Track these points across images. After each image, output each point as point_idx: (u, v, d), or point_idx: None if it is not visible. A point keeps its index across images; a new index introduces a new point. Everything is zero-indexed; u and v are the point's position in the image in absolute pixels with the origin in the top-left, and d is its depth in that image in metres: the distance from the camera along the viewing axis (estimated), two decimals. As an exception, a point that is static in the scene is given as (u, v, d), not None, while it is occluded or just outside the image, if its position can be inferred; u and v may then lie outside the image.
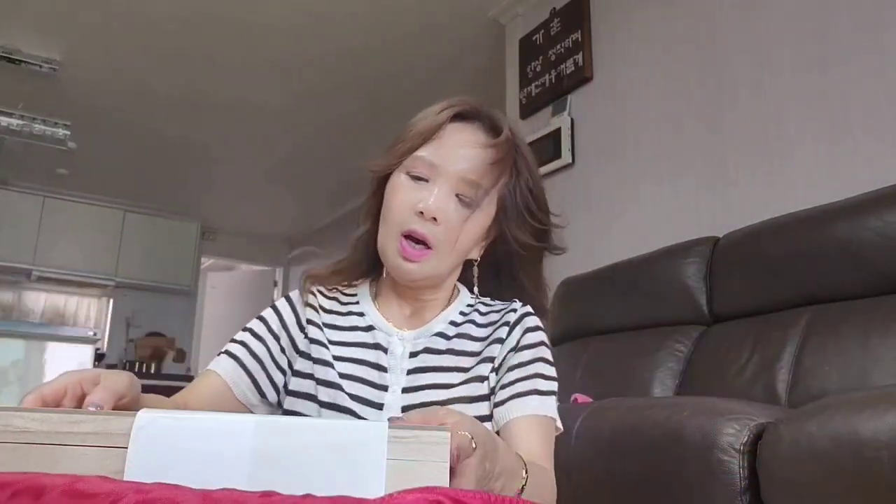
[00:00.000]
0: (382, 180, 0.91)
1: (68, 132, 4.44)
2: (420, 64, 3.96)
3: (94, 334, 3.85)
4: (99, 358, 5.06)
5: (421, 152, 0.87)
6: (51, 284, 6.33)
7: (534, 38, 3.20)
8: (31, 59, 3.97)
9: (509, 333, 0.88)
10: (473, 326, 0.92)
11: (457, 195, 0.85)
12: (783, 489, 1.06)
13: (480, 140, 0.88)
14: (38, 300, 6.40)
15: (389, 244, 0.86)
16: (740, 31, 2.31)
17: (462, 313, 0.93)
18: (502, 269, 0.95)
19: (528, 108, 3.14)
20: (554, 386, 0.86)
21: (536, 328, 0.90)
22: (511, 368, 0.86)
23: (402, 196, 0.86)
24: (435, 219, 0.83)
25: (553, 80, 3.04)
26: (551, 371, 0.87)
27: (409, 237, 0.84)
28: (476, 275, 0.93)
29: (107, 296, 6.61)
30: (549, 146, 2.93)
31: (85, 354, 3.60)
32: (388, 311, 0.92)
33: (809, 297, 1.71)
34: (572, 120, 2.91)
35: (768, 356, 1.67)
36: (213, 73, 4.17)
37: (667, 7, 2.61)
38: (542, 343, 0.89)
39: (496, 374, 0.87)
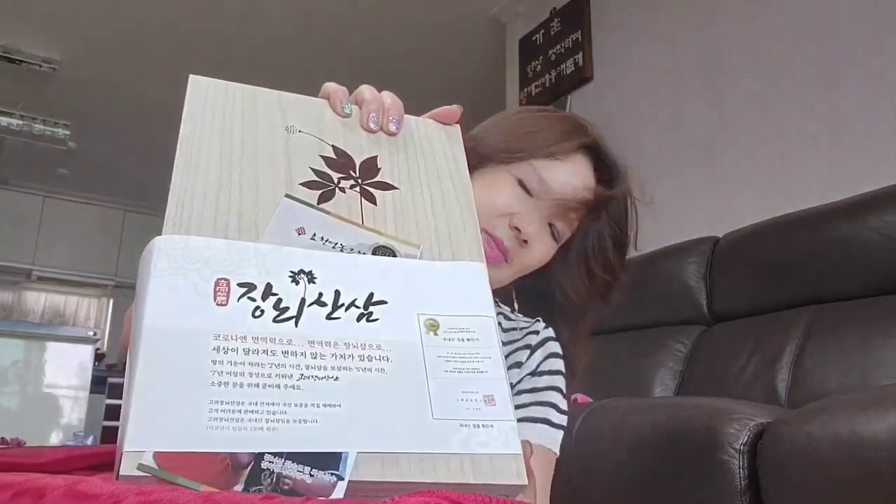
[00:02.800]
0: (476, 163, 0.81)
1: (68, 132, 4.44)
2: (420, 64, 3.96)
3: (94, 334, 3.85)
4: (99, 358, 5.06)
5: (540, 165, 0.80)
6: (51, 284, 6.33)
7: (534, 38, 3.20)
8: (31, 59, 3.97)
9: (529, 357, 0.83)
10: None
11: (551, 224, 0.80)
12: (783, 489, 1.06)
13: (591, 181, 0.83)
14: (38, 300, 6.40)
15: None
16: (740, 31, 2.31)
17: None
18: (536, 299, 0.89)
19: (528, 108, 3.14)
20: (565, 421, 0.81)
21: (557, 356, 0.84)
22: (526, 392, 0.81)
23: (502, 197, 0.78)
24: (527, 242, 0.78)
25: (553, 80, 3.03)
26: (565, 405, 0.82)
27: (491, 240, 0.77)
28: (514, 296, 0.88)
29: (107, 296, 6.61)
30: (549, 146, 2.93)
31: (85, 354, 3.60)
32: None
33: (809, 297, 1.71)
34: (572, 120, 2.91)
35: (768, 356, 1.67)
36: (214, 74, 4.16)
37: (667, 7, 2.60)
38: (560, 373, 0.84)
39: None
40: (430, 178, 0.59)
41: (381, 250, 0.52)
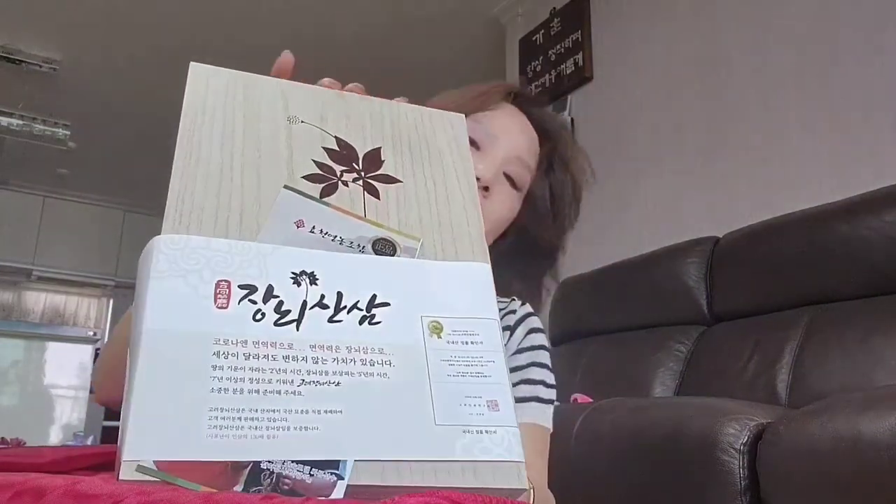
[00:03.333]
0: None
1: (68, 132, 4.44)
2: (420, 64, 3.96)
3: (94, 334, 3.85)
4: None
5: (478, 118, 0.81)
6: (51, 284, 6.33)
7: (534, 38, 3.20)
8: (31, 59, 3.97)
9: (510, 338, 0.84)
10: None
11: (505, 172, 0.80)
12: (783, 489, 1.06)
13: (528, 124, 0.85)
14: (38, 300, 6.40)
15: None
16: (740, 32, 2.31)
17: None
18: (505, 260, 0.90)
19: (528, 108, 3.14)
20: (554, 394, 0.82)
21: (539, 330, 0.86)
22: (512, 371, 0.81)
23: None
24: (487, 189, 0.77)
25: (553, 80, 3.04)
26: (552, 378, 0.83)
27: None
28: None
29: (107, 296, 6.61)
30: (549, 146, 2.93)
31: (85, 354, 3.61)
32: None
33: (809, 297, 1.71)
34: (572, 120, 2.91)
35: (768, 356, 1.67)
36: (213, 73, 4.17)
37: (667, 7, 2.61)
38: (543, 347, 0.85)
39: None
40: (434, 171, 0.58)
41: (381, 243, 0.51)
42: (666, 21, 2.60)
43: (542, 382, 0.81)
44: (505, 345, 0.79)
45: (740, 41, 2.30)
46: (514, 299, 0.88)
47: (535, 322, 0.85)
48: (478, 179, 0.75)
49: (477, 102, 0.82)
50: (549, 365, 0.83)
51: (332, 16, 3.56)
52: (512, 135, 0.82)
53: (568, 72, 2.96)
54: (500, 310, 0.84)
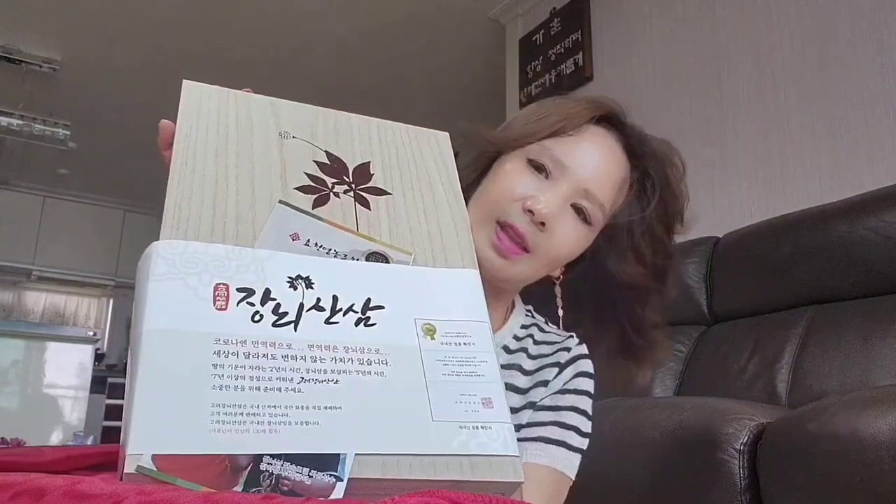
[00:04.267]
0: (489, 157, 0.78)
1: (68, 132, 4.44)
2: (420, 64, 3.96)
3: (94, 334, 3.85)
4: (99, 358, 5.06)
5: (551, 144, 0.74)
6: (51, 284, 6.33)
7: (534, 38, 3.20)
8: (31, 59, 3.97)
9: (557, 375, 0.78)
10: (525, 356, 0.80)
11: (573, 205, 0.73)
12: (783, 489, 1.06)
13: (616, 151, 0.77)
14: (38, 300, 6.40)
15: (481, 230, 0.71)
16: (740, 31, 2.31)
17: (518, 334, 0.81)
18: (589, 296, 0.82)
19: (528, 108, 3.14)
20: (585, 444, 0.76)
21: (588, 375, 0.78)
22: (547, 409, 0.76)
23: (514, 183, 0.73)
24: (543, 224, 0.71)
25: (553, 80, 3.03)
26: (587, 426, 0.76)
27: (506, 229, 0.71)
28: (559, 295, 0.81)
29: (107, 296, 6.61)
30: (549, 146, 2.93)
31: (85, 354, 3.60)
32: None
33: (809, 297, 1.71)
34: (572, 120, 2.91)
35: (768, 356, 1.67)
36: (214, 74, 4.16)
37: (667, 7, 2.61)
38: (588, 393, 0.78)
39: (532, 412, 0.77)
40: (421, 184, 0.60)
41: (375, 257, 0.52)
42: (666, 21, 2.60)
43: (576, 429, 0.75)
44: (550, 381, 0.77)
45: (740, 41, 2.30)
46: (572, 336, 0.81)
47: (586, 366, 0.79)
48: (531, 213, 0.70)
49: (559, 125, 0.75)
50: (589, 412, 0.77)
51: (333, 16, 3.56)
52: (584, 165, 0.74)
53: (568, 72, 2.96)
54: (554, 343, 0.80)
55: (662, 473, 1.22)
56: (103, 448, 0.59)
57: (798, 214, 1.81)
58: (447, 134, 0.66)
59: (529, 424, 0.74)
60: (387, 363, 0.46)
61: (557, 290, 0.81)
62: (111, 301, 6.62)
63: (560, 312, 0.81)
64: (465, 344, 0.49)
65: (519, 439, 0.71)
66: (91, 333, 3.81)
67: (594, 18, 2.92)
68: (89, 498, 0.37)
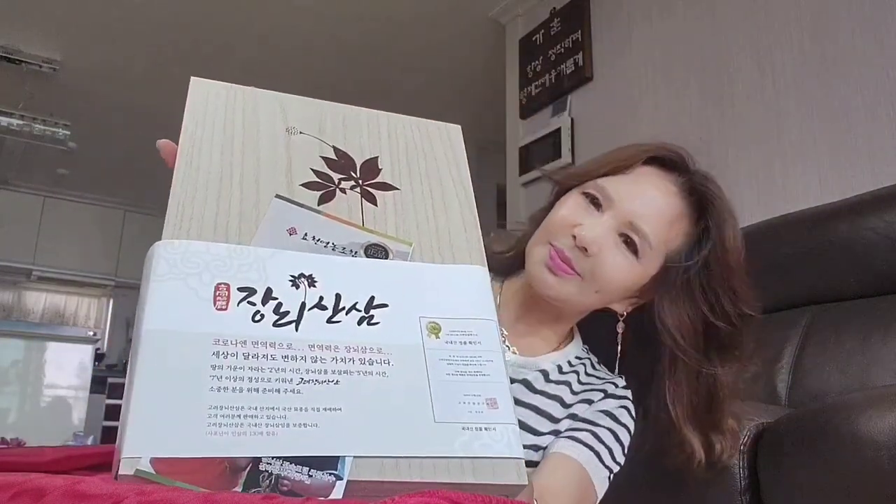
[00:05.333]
0: (559, 192, 0.88)
1: (68, 132, 4.44)
2: (419, 65, 3.95)
3: (94, 334, 3.85)
4: (99, 358, 5.06)
5: (605, 181, 0.82)
6: (51, 284, 6.33)
7: (534, 38, 3.20)
8: (31, 59, 3.97)
9: (602, 399, 0.82)
10: (576, 377, 0.84)
11: (620, 234, 0.79)
12: (783, 489, 1.06)
13: (670, 190, 0.82)
14: (38, 300, 6.40)
15: (537, 249, 0.81)
16: (740, 32, 2.31)
17: (572, 361, 0.86)
18: (650, 349, 0.83)
19: (528, 109, 3.14)
20: (614, 469, 0.78)
21: (629, 413, 0.82)
22: (587, 421, 0.79)
23: (567, 211, 0.81)
24: (586, 249, 0.77)
25: (553, 80, 3.03)
26: (620, 457, 0.79)
27: (556, 251, 0.79)
28: (621, 331, 0.85)
29: (107, 296, 6.61)
30: (549, 146, 2.93)
31: (85, 354, 3.60)
32: (502, 319, 0.85)
33: (809, 297, 1.71)
34: (572, 120, 2.91)
35: (768, 356, 1.67)
36: (214, 74, 4.15)
37: (667, 7, 2.61)
38: (627, 428, 0.81)
39: (571, 421, 0.81)
40: (430, 179, 0.59)
41: (373, 248, 0.52)
42: (666, 21, 2.60)
43: (609, 450, 0.78)
44: (594, 401, 0.80)
45: (740, 41, 2.30)
46: (622, 376, 0.85)
47: (629, 405, 0.82)
48: (574, 238, 0.77)
49: (616, 164, 0.83)
50: (625, 446, 0.80)
51: (333, 17, 3.56)
52: (631, 199, 0.79)
53: (568, 72, 2.96)
54: (604, 379, 0.84)
55: (662, 473, 1.22)
56: (103, 448, 0.59)
57: (798, 214, 1.81)
58: (459, 127, 0.66)
59: (567, 430, 0.78)
60: (389, 363, 0.45)
61: (620, 326, 0.85)
62: (111, 301, 6.61)
63: (619, 343, 0.84)
64: (470, 343, 0.49)
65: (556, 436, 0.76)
66: (91, 333, 3.81)
67: (594, 18, 2.92)
68: (89, 498, 0.36)
